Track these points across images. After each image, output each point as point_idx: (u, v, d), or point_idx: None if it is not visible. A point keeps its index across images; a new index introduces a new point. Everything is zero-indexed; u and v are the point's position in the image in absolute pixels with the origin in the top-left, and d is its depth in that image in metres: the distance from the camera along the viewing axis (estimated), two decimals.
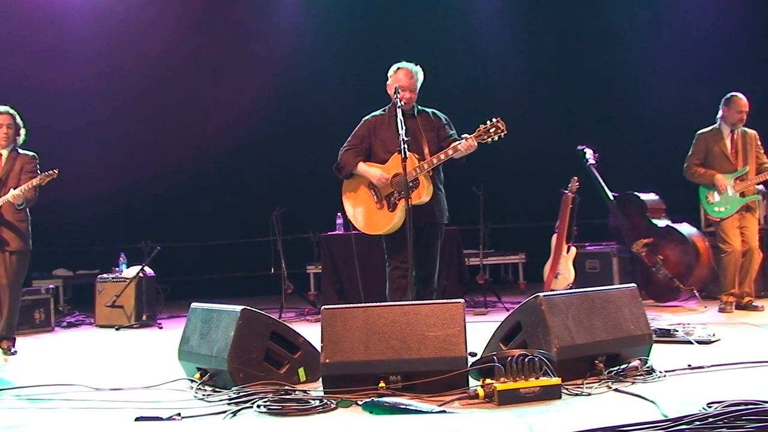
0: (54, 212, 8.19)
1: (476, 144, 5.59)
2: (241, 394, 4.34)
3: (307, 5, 12.06)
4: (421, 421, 3.48)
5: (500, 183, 11.07)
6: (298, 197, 10.68)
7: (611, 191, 8.48)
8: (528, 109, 11.15)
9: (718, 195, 7.61)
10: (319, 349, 4.40)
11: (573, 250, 8.21)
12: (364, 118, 6.18)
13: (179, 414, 4.00)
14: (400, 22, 11.90)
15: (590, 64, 11.48)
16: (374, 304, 4.57)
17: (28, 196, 6.58)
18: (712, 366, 4.67)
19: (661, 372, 4.48)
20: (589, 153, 8.39)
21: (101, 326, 8.88)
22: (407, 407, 3.78)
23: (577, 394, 4.07)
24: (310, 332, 5.11)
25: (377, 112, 6.15)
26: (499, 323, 4.88)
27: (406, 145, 5.30)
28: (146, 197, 11.50)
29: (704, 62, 10.47)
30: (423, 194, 5.78)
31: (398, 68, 5.98)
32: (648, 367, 4.50)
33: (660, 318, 7.12)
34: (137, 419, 3.93)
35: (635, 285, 4.90)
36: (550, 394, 3.95)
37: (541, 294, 4.50)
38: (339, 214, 9.43)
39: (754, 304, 7.52)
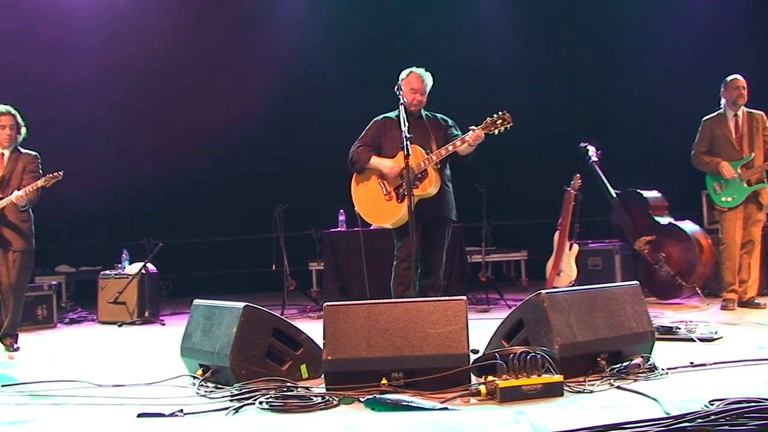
0: (57, 208, 8.21)
1: (483, 135, 5.75)
2: (243, 390, 4.35)
3: (314, 5, 12.05)
4: (424, 418, 3.48)
5: (503, 180, 11.09)
6: (301, 194, 10.68)
7: (614, 188, 8.47)
8: (531, 106, 11.14)
9: (725, 184, 7.53)
10: (322, 346, 4.40)
11: (575, 247, 8.21)
12: (374, 119, 6.37)
13: (181, 410, 4.00)
14: (403, 19, 11.90)
15: (593, 62, 11.47)
16: (376, 301, 4.57)
17: (31, 197, 6.58)
18: (715, 364, 4.66)
19: (663, 369, 4.47)
20: (591, 150, 8.37)
21: (104, 323, 8.91)
22: (409, 404, 3.78)
23: (579, 392, 4.06)
24: (312, 329, 5.11)
25: (388, 114, 6.30)
26: (502, 320, 4.88)
27: (408, 142, 5.40)
28: (149, 194, 11.53)
29: (708, 61, 10.44)
30: (431, 186, 5.94)
31: (410, 72, 6.19)
32: (650, 365, 4.49)
33: (662, 315, 7.10)
34: (139, 415, 3.93)
35: (638, 282, 4.89)
36: (553, 391, 3.95)
37: (544, 291, 4.49)
38: (341, 210, 9.43)
39: (756, 301, 7.49)
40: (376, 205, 6.18)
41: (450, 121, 6.32)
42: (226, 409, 4.05)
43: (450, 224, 6.31)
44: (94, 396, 4.62)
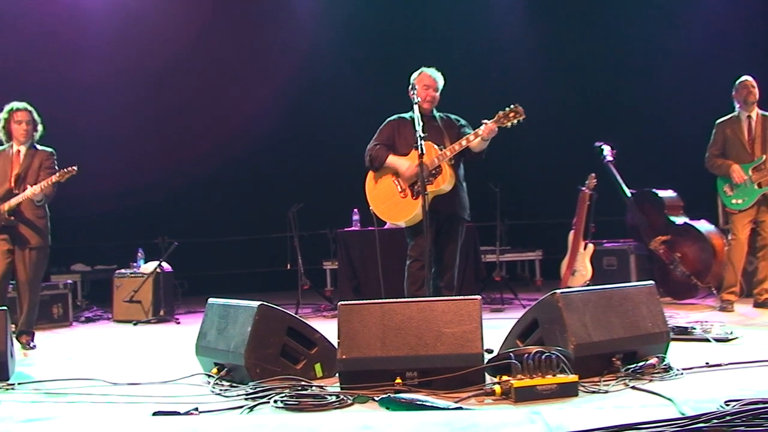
0: (72, 207, 8.24)
1: (497, 129, 5.75)
2: (257, 389, 4.36)
3: (328, 5, 12.07)
4: (438, 417, 3.48)
5: (517, 179, 11.05)
6: (315, 194, 10.69)
7: (629, 188, 8.44)
8: (545, 105, 11.08)
9: (735, 187, 7.50)
10: (336, 345, 4.41)
11: (590, 247, 8.19)
12: (388, 118, 6.37)
13: (196, 408, 4.02)
14: (417, 20, 11.89)
15: (608, 61, 11.43)
16: (391, 300, 4.57)
17: (47, 192, 6.63)
18: (730, 364, 4.65)
19: (678, 370, 4.45)
20: (606, 150, 8.35)
21: (119, 321, 8.95)
22: (424, 403, 3.78)
23: (594, 392, 4.05)
24: (327, 328, 5.13)
25: (402, 114, 6.30)
26: (516, 320, 4.88)
27: (422, 141, 5.42)
28: (164, 193, 11.56)
29: (724, 61, 10.38)
30: (445, 182, 5.95)
31: (421, 71, 6.20)
32: (665, 365, 4.48)
33: (677, 315, 7.07)
34: (155, 414, 3.95)
35: (653, 282, 4.88)
36: (567, 391, 3.94)
37: (558, 291, 4.48)
38: (355, 210, 9.45)
39: None
40: (391, 202, 6.18)
41: (463, 121, 6.32)
42: (241, 407, 4.07)
43: (463, 223, 6.29)
44: (109, 394, 4.64)
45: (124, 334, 8.11)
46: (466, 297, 4.48)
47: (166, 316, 8.85)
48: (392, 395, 3.94)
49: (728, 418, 3.16)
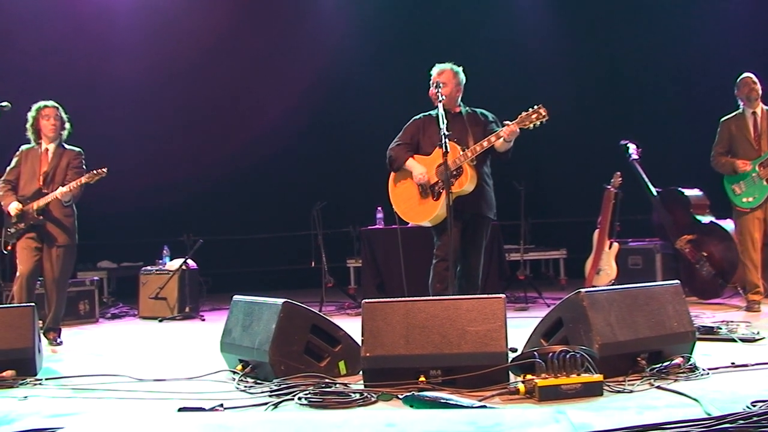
0: (99, 205, 8.32)
1: (518, 130, 5.66)
2: (282, 386, 4.39)
3: (352, 3, 12.08)
4: (462, 416, 3.48)
5: (541, 178, 11.02)
6: (339, 192, 10.71)
7: (654, 187, 8.38)
8: (571, 103, 11.04)
9: (744, 185, 7.44)
10: (360, 343, 4.42)
11: (615, 246, 8.15)
12: (413, 117, 6.34)
13: (222, 405, 4.05)
14: (441, 16, 11.88)
15: (634, 58, 11.37)
16: (415, 298, 4.58)
17: (75, 193, 6.68)
18: (757, 364, 4.61)
19: (704, 370, 4.42)
20: (632, 148, 8.30)
21: (145, 318, 9.01)
22: (448, 401, 3.78)
23: (619, 391, 4.04)
24: (350, 326, 5.13)
25: (429, 112, 6.26)
26: (540, 319, 4.87)
27: (446, 140, 5.36)
28: (190, 191, 11.63)
29: (753, 59, 10.27)
30: (466, 183, 5.86)
31: (439, 69, 6.14)
32: (691, 365, 4.45)
33: (703, 315, 7.02)
34: (180, 410, 3.98)
35: (678, 282, 4.85)
36: (592, 390, 3.93)
37: (583, 290, 4.47)
38: (379, 208, 9.45)
39: None
40: (413, 203, 6.15)
41: (490, 116, 6.23)
42: (266, 404, 4.09)
43: (489, 222, 6.22)
44: (135, 390, 4.68)
45: (149, 330, 8.16)
46: (490, 295, 4.48)
47: (191, 313, 8.91)
48: (416, 393, 3.95)
49: (755, 418, 3.14)
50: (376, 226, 9.57)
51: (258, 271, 11.76)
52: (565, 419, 3.29)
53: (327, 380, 4.50)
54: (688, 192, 8.45)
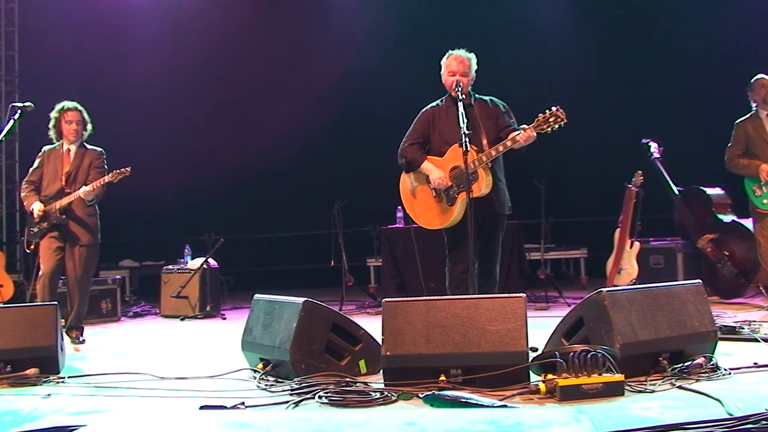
0: (121, 204, 8.38)
1: (535, 135, 5.44)
2: (303, 384, 4.40)
3: (371, 3, 12.09)
4: (483, 415, 3.48)
5: (562, 176, 10.98)
6: (359, 191, 10.72)
7: (676, 185, 8.34)
8: (591, 100, 11.01)
9: (765, 186, 7.38)
10: (380, 342, 4.42)
11: (636, 245, 8.11)
12: (421, 111, 6.10)
13: (243, 403, 4.07)
14: (460, 14, 11.84)
15: (655, 56, 11.30)
16: (435, 297, 4.58)
17: (98, 192, 6.74)
18: None
19: (726, 370, 4.40)
20: (653, 146, 8.25)
21: (166, 316, 9.07)
22: (468, 401, 3.79)
23: (640, 391, 4.02)
24: (371, 325, 5.14)
25: (434, 104, 6.06)
26: (561, 318, 4.85)
27: (467, 139, 5.20)
28: (211, 190, 11.71)
29: None
30: (482, 187, 5.64)
31: (449, 55, 5.89)
32: (713, 365, 4.42)
33: (725, 315, 6.98)
34: (202, 408, 4.00)
35: (700, 281, 4.82)
36: (613, 390, 3.91)
37: (604, 289, 4.45)
38: (399, 207, 9.43)
39: None
40: (426, 207, 5.95)
41: (501, 106, 5.96)
42: (286, 402, 4.11)
43: (504, 220, 5.97)
44: (157, 388, 4.71)
45: (171, 329, 8.22)
46: (510, 295, 4.46)
47: (212, 312, 8.95)
48: (437, 392, 3.95)
49: None
50: (396, 225, 9.58)
51: (278, 270, 11.79)
52: (587, 419, 3.28)
53: (347, 379, 4.51)
54: (709, 191, 8.40)
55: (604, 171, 10.19)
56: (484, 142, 5.69)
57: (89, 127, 7.03)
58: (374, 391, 4.17)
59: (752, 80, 7.50)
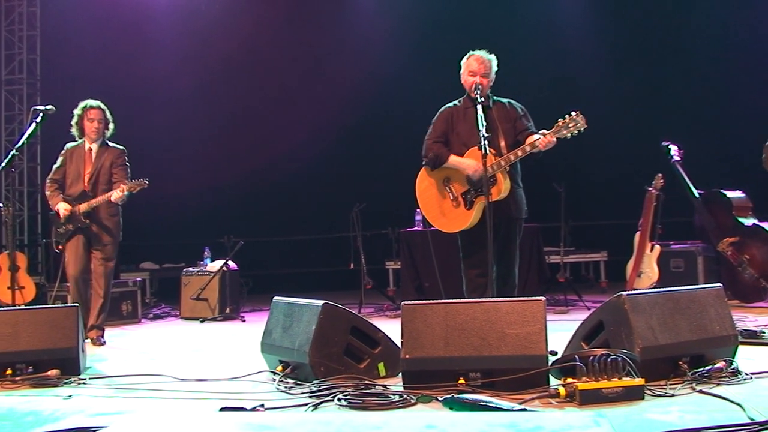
0: (141, 207, 8.41)
1: (555, 140, 5.41)
2: (322, 387, 4.41)
3: (392, 5, 12.11)
4: (502, 418, 3.48)
5: (582, 179, 10.93)
6: (378, 193, 10.73)
7: (696, 188, 8.29)
8: (611, 103, 10.97)
9: None
10: (399, 345, 4.43)
11: (657, 248, 8.08)
12: (439, 110, 6.05)
13: (262, 405, 4.08)
14: (482, 18, 11.83)
15: (675, 59, 11.25)
16: (454, 300, 4.58)
17: (118, 201, 6.81)
18: None
19: (747, 374, 4.37)
20: (673, 149, 8.21)
21: (186, 318, 9.12)
22: (488, 404, 3.78)
23: (660, 395, 4.00)
24: (389, 328, 5.14)
25: (451, 104, 6.01)
26: (581, 322, 4.84)
27: (486, 142, 5.19)
28: (230, 193, 11.77)
29: None
30: (500, 193, 5.61)
31: (470, 55, 5.85)
32: (733, 369, 4.39)
33: (746, 319, 6.93)
34: (221, 409, 4.02)
35: (721, 285, 4.79)
36: (633, 394, 3.89)
37: (625, 293, 4.44)
38: (418, 210, 9.43)
39: None
40: (442, 210, 5.91)
41: (519, 109, 5.90)
42: (306, 405, 4.12)
43: (521, 223, 5.93)
44: (177, 390, 4.74)
45: (191, 331, 8.25)
46: (530, 298, 4.45)
47: (231, 314, 8.99)
48: (456, 395, 3.94)
49: None
50: (415, 228, 9.58)
51: (297, 273, 11.83)
52: (607, 423, 3.27)
53: (366, 382, 4.51)
54: (730, 194, 8.34)
55: (624, 174, 10.15)
56: (502, 144, 5.67)
57: (111, 126, 7.11)
58: (393, 394, 4.18)
59: None
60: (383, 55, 11.93)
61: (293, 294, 5.36)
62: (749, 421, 3.35)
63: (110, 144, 7.12)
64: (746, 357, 4.82)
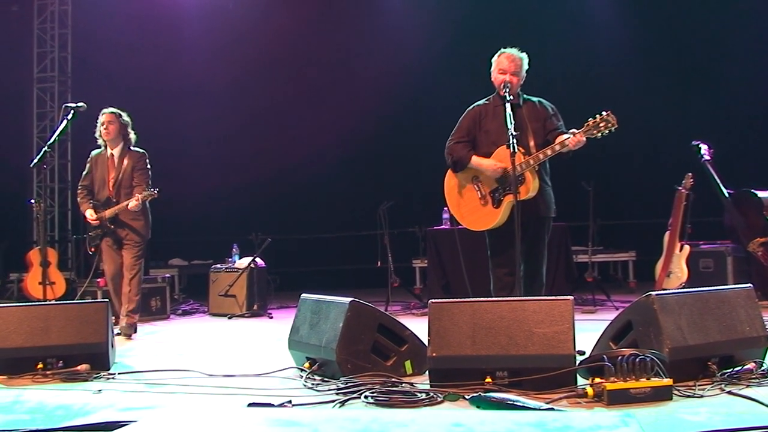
0: (170, 205, 8.50)
1: (585, 139, 5.38)
2: (349, 384, 4.42)
3: (420, 4, 12.10)
4: (530, 417, 3.47)
5: (611, 178, 10.86)
6: (405, 192, 10.74)
7: (727, 188, 8.22)
8: (641, 102, 10.90)
9: None
10: (426, 343, 4.43)
11: (686, 248, 8.02)
12: (467, 109, 6.01)
13: (290, 401, 4.10)
14: (511, 17, 11.79)
15: (706, 57, 11.15)
16: (482, 299, 4.57)
17: (135, 209, 6.98)
18: None
19: None
20: (704, 148, 8.15)
21: (214, 314, 9.18)
22: (515, 403, 3.77)
23: (689, 396, 3.97)
24: (416, 326, 5.14)
25: (481, 102, 5.97)
26: (609, 322, 4.82)
27: (515, 140, 5.17)
28: (259, 191, 11.82)
29: None
30: (528, 191, 5.58)
31: (501, 53, 5.81)
32: (763, 370, 4.35)
33: None
34: (249, 405, 4.04)
35: (751, 285, 4.75)
36: (662, 395, 3.87)
37: (654, 293, 4.41)
38: (445, 208, 9.42)
39: None
40: (470, 208, 5.89)
41: (550, 108, 5.85)
42: (333, 401, 4.13)
43: (549, 222, 5.89)
44: (206, 385, 4.77)
45: (219, 327, 8.30)
46: (558, 297, 4.44)
47: (259, 311, 9.04)
48: (483, 394, 3.94)
49: None
50: (442, 227, 9.57)
51: (325, 270, 11.85)
52: (635, 423, 3.26)
53: (393, 379, 4.51)
54: (761, 193, 8.27)
55: (654, 173, 10.09)
56: (531, 144, 5.63)
57: (133, 134, 7.22)
58: (420, 392, 4.18)
59: None
60: (412, 54, 11.93)
61: (320, 291, 5.37)
62: None
63: (132, 149, 7.24)
64: None
